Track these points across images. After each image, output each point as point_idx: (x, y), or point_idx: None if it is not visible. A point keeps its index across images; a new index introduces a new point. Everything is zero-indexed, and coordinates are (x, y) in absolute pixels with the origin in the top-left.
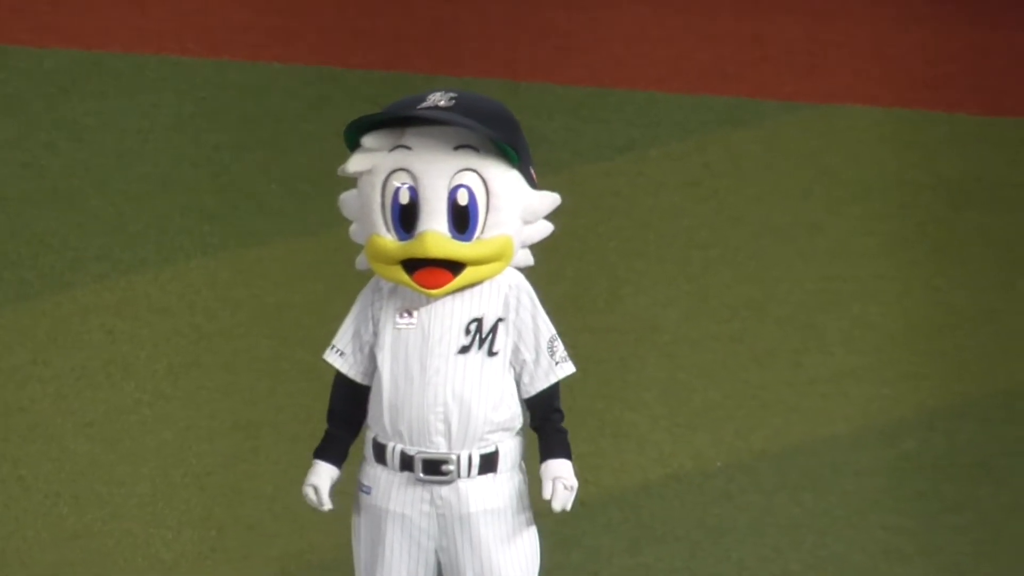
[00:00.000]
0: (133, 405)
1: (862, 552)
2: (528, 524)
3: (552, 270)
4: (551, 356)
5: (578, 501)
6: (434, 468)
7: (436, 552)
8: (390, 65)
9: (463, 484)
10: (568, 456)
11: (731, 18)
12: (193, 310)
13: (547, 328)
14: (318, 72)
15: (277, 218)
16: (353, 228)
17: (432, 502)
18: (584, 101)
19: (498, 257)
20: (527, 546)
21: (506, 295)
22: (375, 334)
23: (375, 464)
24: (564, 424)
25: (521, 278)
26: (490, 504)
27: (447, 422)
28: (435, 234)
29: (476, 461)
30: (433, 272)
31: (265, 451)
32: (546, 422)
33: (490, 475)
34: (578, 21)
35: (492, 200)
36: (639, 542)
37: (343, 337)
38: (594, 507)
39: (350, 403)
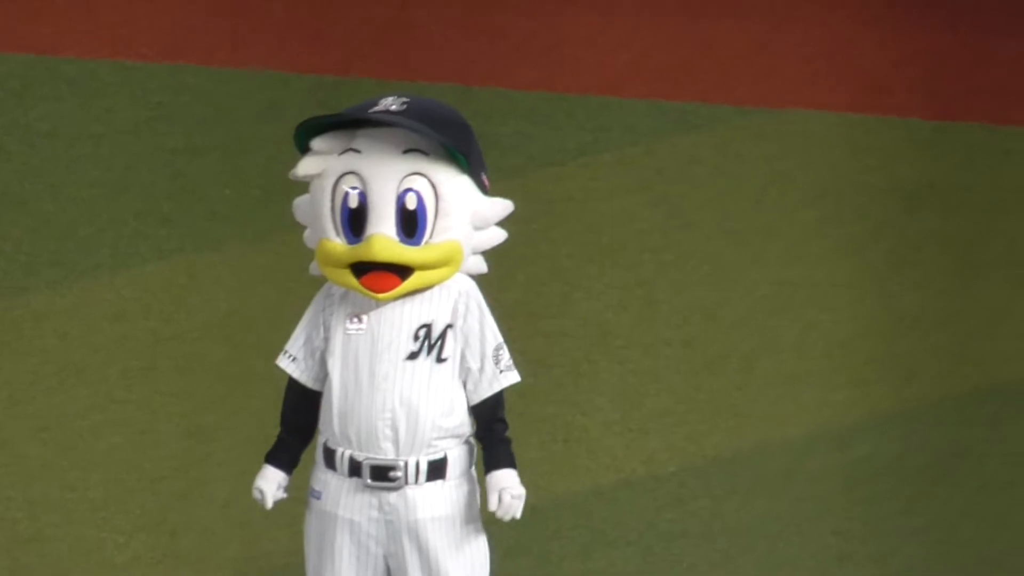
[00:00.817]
0: (86, 410)
1: (814, 558)
2: (477, 531)
3: (504, 275)
4: (496, 364)
5: (528, 507)
6: (382, 474)
7: (385, 558)
8: (343, 70)
9: (411, 491)
10: (513, 465)
11: (683, 22)
12: (148, 314)
13: (493, 336)
14: (271, 76)
15: (230, 222)
16: (307, 234)
17: (380, 508)
18: (536, 106)
19: (446, 262)
20: (476, 553)
21: (455, 301)
22: (326, 339)
23: (325, 469)
24: (508, 434)
25: (472, 285)
26: (438, 511)
27: (395, 428)
28: (382, 238)
29: (424, 468)
30: (381, 276)
31: (218, 456)
32: (490, 432)
33: (439, 482)
34: (530, 26)
35: (441, 205)
36: (590, 547)
37: (295, 343)
38: (545, 512)
39: (302, 408)
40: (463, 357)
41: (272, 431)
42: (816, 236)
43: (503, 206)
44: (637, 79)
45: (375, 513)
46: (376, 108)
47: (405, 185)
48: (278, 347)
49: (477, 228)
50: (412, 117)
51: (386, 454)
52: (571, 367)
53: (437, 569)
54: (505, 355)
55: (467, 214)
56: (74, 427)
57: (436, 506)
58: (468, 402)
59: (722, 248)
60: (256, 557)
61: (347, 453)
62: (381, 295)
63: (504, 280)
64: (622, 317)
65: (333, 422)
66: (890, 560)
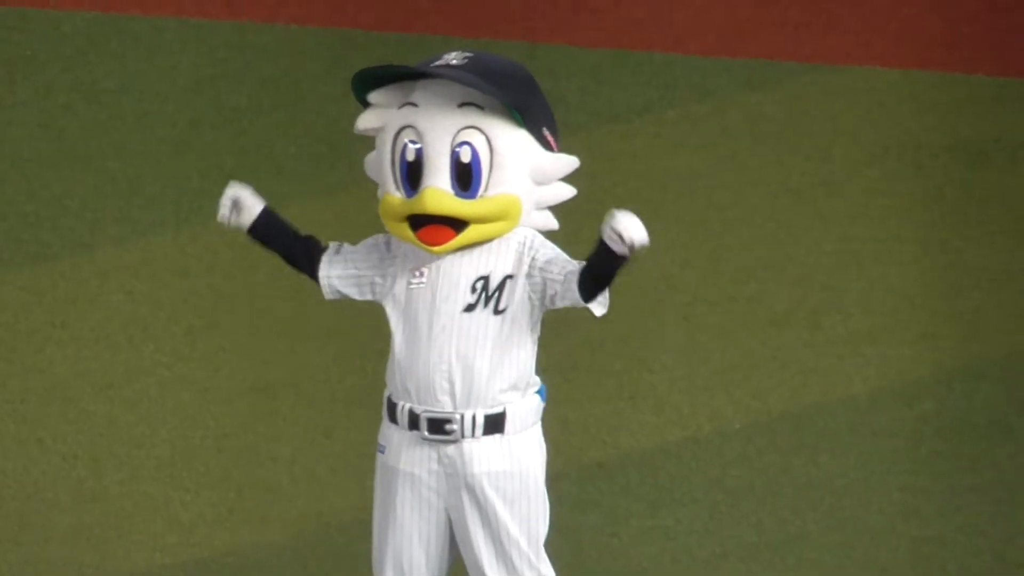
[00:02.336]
0: (152, 367)
1: (880, 513)
2: (537, 487)
3: (569, 232)
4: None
5: (595, 463)
6: (438, 427)
7: (446, 511)
8: (406, 27)
9: (467, 444)
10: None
11: None
12: (212, 272)
13: (569, 259)
14: (335, 33)
15: (295, 179)
16: (380, 191)
17: (440, 461)
18: (601, 63)
19: (502, 216)
20: (534, 509)
21: (518, 252)
22: (381, 285)
23: (388, 424)
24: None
25: (535, 233)
26: (495, 466)
27: (451, 381)
28: (435, 191)
29: (480, 422)
30: (436, 229)
31: (283, 413)
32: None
33: (496, 436)
34: None
35: (496, 158)
36: (657, 504)
37: (349, 249)
38: (612, 469)
39: (301, 247)
40: (544, 285)
41: (338, 387)
42: (880, 193)
43: (567, 162)
44: (702, 35)
45: (435, 466)
46: (438, 62)
47: (460, 139)
48: (343, 305)
49: (538, 183)
50: (471, 72)
51: (443, 407)
52: (637, 323)
53: (496, 523)
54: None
55: (524, 169)
56: (139, 384)
57: (493, 460)
58: (571, 291)
59: (787, 205)
60: (322, 513)
61: (407, 406)
62: (436, 248)
63: (570, 237)
64: (688, 273)
65: (395, 375)
66: (955, 516)
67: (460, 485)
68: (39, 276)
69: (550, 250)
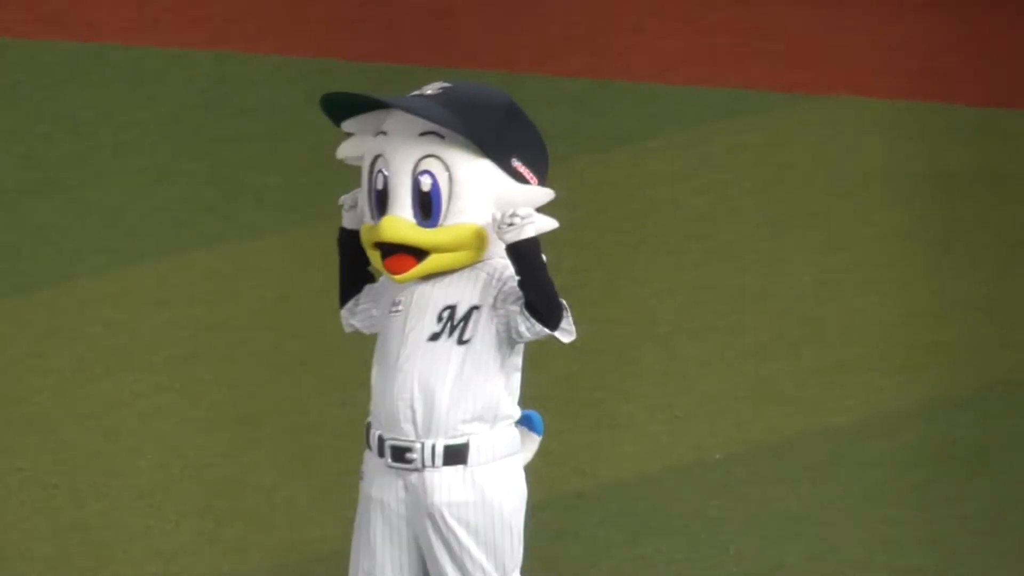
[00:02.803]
0: (132, 397)
1: (861, 544)
2: (503, 519)
3: (549, 262)
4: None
5: (575, 493)
6: (400, 455)
7: (416, 538)
8: (388, 57)
9: (428, 474)
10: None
11: (730, 9)
12: (192, 302)
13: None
14: (316, 64)
15: (276, 210)
16: None
17: (406, 489)
18: (582, 93)
19: (460, 246)
20: (500, 540)
21: (486, 282)
22: (377, 317)
23: (367, 448)
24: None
25: (506, 264)
26: (456, 496)
27: (413, 409)
28: (393, 219)
29: (440, 451)
30: (399, 258)
31: (264, 443)
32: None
33: (459, 467)
34: (577, 13)
35: (455, 188)
36: (638, 534)
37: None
38: (592, 499)
39: (363, 277)
40: (509, 317)
41: (318, 418)
42: (862, 223)
43: (539, 193)
44: (684, 66)
45: (402, 494)
46: (416, 92)
47: (421, 167)
48: (323, 333)
49: (500, 202)
50: (443, 102)
51: (406, 435)
52: (617, 354)
53: (460, 551)
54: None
55: (486, 198)
56: (119, 414)
57: (454, 491)
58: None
59: (768, 235)
60: (302, 544)
61: (378, 433)
62: (397, 277)
63: (549, 267)
64: (668, 304)
65: (373, 401)
66: (938, 547)
67: (423, 513)
68: (19, 306)
69: (510, 283)
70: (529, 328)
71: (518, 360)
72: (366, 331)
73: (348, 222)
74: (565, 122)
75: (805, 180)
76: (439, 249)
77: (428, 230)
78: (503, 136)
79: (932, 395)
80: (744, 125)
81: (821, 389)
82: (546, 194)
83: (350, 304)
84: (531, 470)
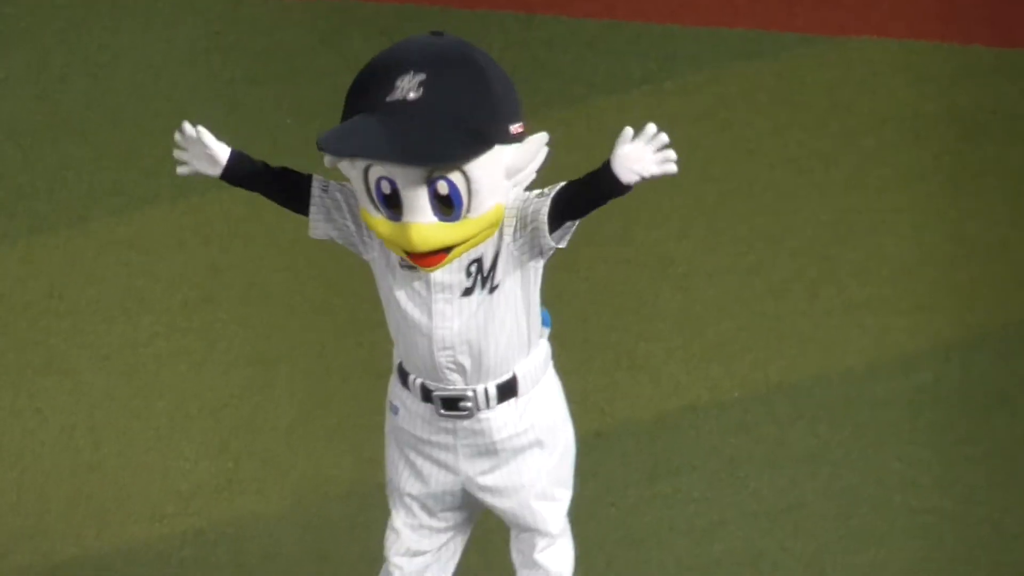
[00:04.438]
0: (149, 338)
1: (877, 483)
2: (558, 436)
3: None
4: (547, 193)
5: (593, 433)
6: (453, 405)
7: (463, 480)
8: None
9: (484, 415)
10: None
11: None
12: (208, 244)
13: (534, 192)
14: (330, 6)
15: (291, 152)
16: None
17: (455, 433)
18: (599, 34)
19: (488, 227)
20: (558, 459)
21: (500, 228)
22: (369, 245)
23: (401, 387)
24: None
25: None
26: (513, 429)
27: (458, 363)
28: (419, 228)
29: (493, 392)
30: (427, 256)
31: (280, 384)
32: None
33: (511, 400)
34: None
35: (473, 185)
36: (655, 473)
37: (335, 188)
38: (610, 438)
39: (287, 185)
40: (532, 238)
41: (333, 359)
42: (877, 164)
43: (536, 144)
44: (699, 7)
45: (451, 439)
46: (392, 96)
47: (435, 175)
48: (338, 276)
49: (512, 176)
50: (430, 107)
51: (455, 384)
52: (634, 295)
53: (520, 484)
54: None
55: (500, 177)
56: (137, 356)
57: (510, 425)
58: (551, 225)
59: (784, 176)
60: (319, 483)
61: (419, 380)
62: (430, 269)
63: None
64: (684, 245)
65: (400, 346)
66: (953, 486)
67: (483, 451)
68: (35, 248)
69: (523, 206)
70: (561, 236)
71: (538, 286)
72: (340, 242)
73: (213, 167)
74: (581, 63)
75: (820, 121)
76: (469, 239)
77: (454, 225)
78: (498, 112)
79: (948, 335)
80: (760, 66)
81: (837, 329)
82: (541, 142)
83: (313, 213)
84: (567, 379)
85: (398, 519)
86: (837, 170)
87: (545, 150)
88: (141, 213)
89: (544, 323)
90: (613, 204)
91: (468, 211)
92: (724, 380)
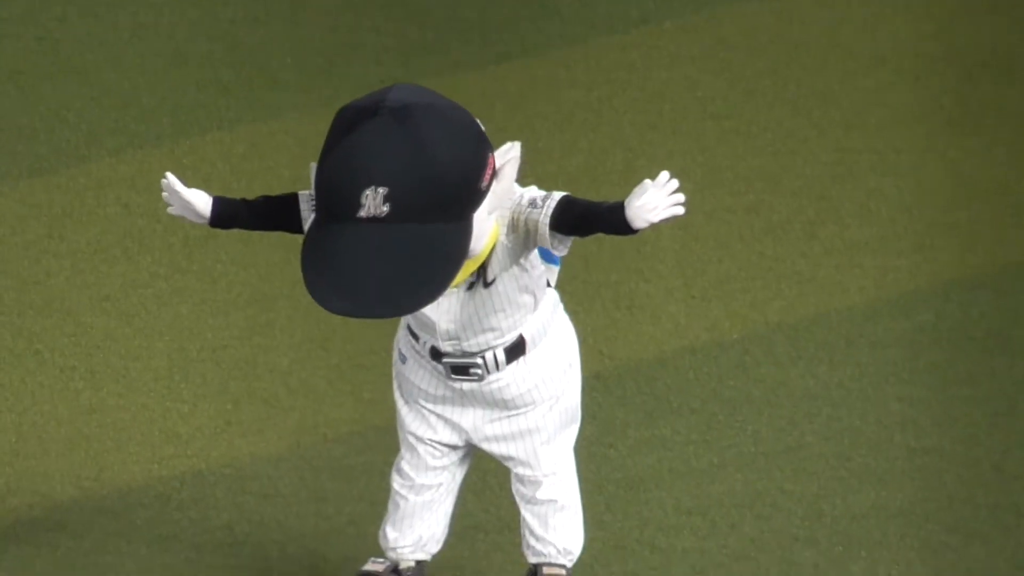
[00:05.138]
0: (149, 279)
1: (877, 423)
2: (568, 383)
3: (567, 142)
4: (540, 206)
5: (592, 374)
6: (462, 371)
7: (468, 432)
8: None
9: (493, 377)
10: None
11: None
12: (208, 184)
13: (525, 196)
14: None
15: (291, 91)
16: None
17: (464, 394)
18: None
19: (487, 252)
20: (567, 404)
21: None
22: None
23: (411, 339)
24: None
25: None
26: (523, 386)
27: (463, 347)
28: None
29: (502, 357)
30: None
31: (280, 325)
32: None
33: (519, 359)
34: None
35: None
36: (654, 414)
37: None
38: (609, 380)
39: (272, 208)
40: (527, 238)
41: None
42: (876, 104)
43: (510, 172)
44: None
45: (459, 396)
46: (361, 213)
47: None
48: None
49: (496, 208)
50: (402, 219)
51: (464, 354)
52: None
53: (527, 428)
54: (537, 194)
55: (485, 220)
56: (137, 296)
57: (520, 382)
58: (553, 244)
59: (784, 115)
60: (318, 425)
61: (429, 343)
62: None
63: (567, 147)
64: (685, 184)
65: (408, 319)
66: (952, 426)
67: (492, 405)
68: (35, 189)
69: (516, 204)
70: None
71: (535, 260)
72: None
73: (199, 217)
74: (580, 4)
75: (820, 61)
76: (470, 270)
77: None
78: (468, 187)
79: (948, 276)
80: (759, 6)
81: (837, 269)
82: (513, 159)
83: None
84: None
85: (404, 456)
86: (837, 110)
87: (518, 161)
88: (142, 153)
89: (552, 261)
90: (613, 145)
91: (467, 257)
92: (723, 321)
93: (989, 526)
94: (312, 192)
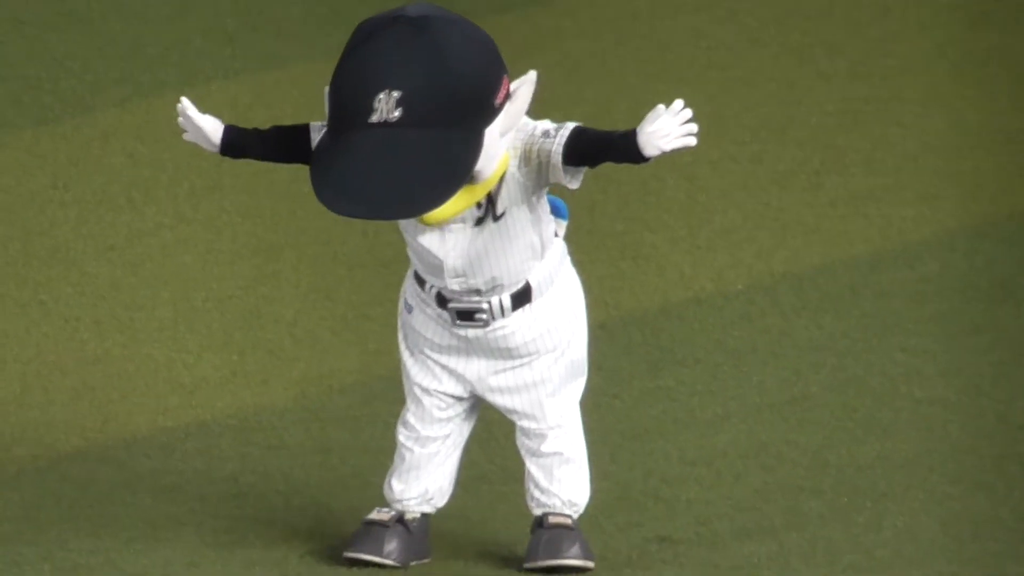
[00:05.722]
0: (154, 229)
1: (882, 374)
2: (574, 335)
3: (573, 91)
4: (553, 136)
5: (597, 324)
6: (468, 316)
7: (473, 383)
8: None
9: (499, 323)
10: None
11: None
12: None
13: (538, 127)
14: None
15: (297, 41)
16: None
17: (468, 340)
18: None
19: (497, 179)
20: (572, 356)
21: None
22: None
23: (417, 287)
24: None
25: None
26: (528, 335)
27: (471, 286)
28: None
29: (508, 303)
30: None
31: (285, 274)
32: (591, 149)
33: (525, 307)
34: None
35: (479, 161)
36: (659, 365)
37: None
38: (614, 330)
39: (284, 142)
40: (527, 161)
41: (340, 248)
42: (881, 53)
43: (523, 99)
44: None
45: (464, 344)
46: (373, 118)
47: None
48: None
49: (507, 132)
50: (414, 124)
51: (470, 299)
52: (639, 184)
53: (532, 380)
54: (550, 125)
55: (497, 141)
56: (142, 246)
57: (525, 330)
58: (564, 171)
59: (788, 65)
60: (323, 376)
61: (435, 289)
62: (443, 221)
63: (573, 97)
64: None
65: (415, 261)
66: (957, 377)
67: (499, 355)
68: (41, 138)
69: (529, 135)
70: (556, 174)
71: (544, 203)
72: None
73: (209, 142)
74: None
75: (824, 10)
76: (478, 199)
77: (463, 193)
78: (481, 99)
79: (953, 225)
80: None
81: (842, 219)
82: (528, 84)
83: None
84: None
85: (409, 408)
86: (841, 59)
87: (533, 86)
88: (147, 103)
89: (561, 215)
90: (618, 95)
91: (476, 180)
92: (728, 270)
93: (994, 476)
94: (324, 122)
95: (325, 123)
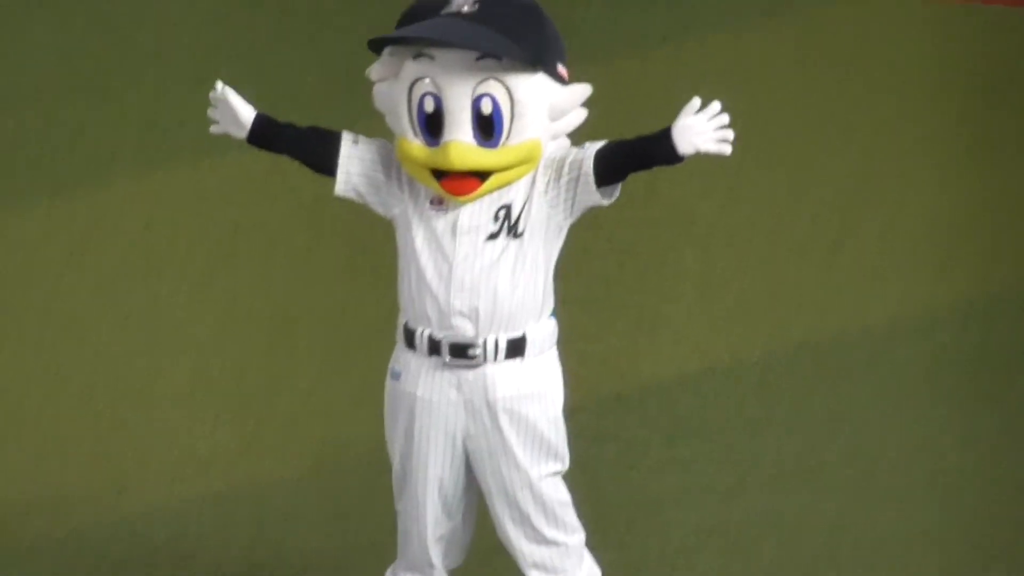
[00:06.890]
0: (170, 298)
1: (898, 445)
2: (555, 413)
3: None
4: (585, 148)
5: (614, 395)
6: (461, 352)
7: (464, 441)
8: None
9: (490, 368)
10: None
11: None
12: (229, 203)
13: (571, 146)
14: None
15: (313, 111)
16: (393, 128)
17: (459, 387)
18: None
19: (525, 161)
20: (559, 430)
21: (533, 176)
22: (400, 199)
23: (405, 350)
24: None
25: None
26: (516, 390)
27: (473, 307)
28: (458, 145)
29: (503, 345)
30: (461, 180)
31: (301, 344)
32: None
33: (517, 360)
34: None
35: (516, 108)
36: (675, 435)
37: (366, 146)
38: (630, 400)
39: (319, 145)
40: (562, 192)
41: (356, 319)
42: (898, 125)
43: (580, 91)
44: None
45: (454, 394)
46: (448, 10)
47: (480, 91)
48: (360, 235)
49: (555, 119)
50: (484, 20)
51: (465, 332)
52: (656, 255)
53: (515, 448)
54: (586, 143)
55: (543, 110)
56: (158, 316)
57: (514, 384)
58: (595, 180)
59: (804, 138)
60: (340, 445)
61: (426, 332)
62: (462, 198)
63: None
64: (706, 204)
65: (413, 301)
66: (973, 447)
67: (481, 410)
68: (57, 208)
69: (560, 156)
70: (587, 196)
71: (557, 252)
72: (372, 200)
73: (239, 128)
74: (602, 20)
75: (841, 81)
76: (505, 168)
77: (493, 151)
78: (548, 46)
79: (969, 297)
80: (779, 25)
81: (858, 291)
82: (585, 91)
83: (344, 164)
84: (569, 372)
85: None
86: (858, 131)
87: (584, 110)
88: (163, 173)
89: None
90: None
91: (508, 138)
92: (745, 341)
93: (1012, 548)
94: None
95: (355, 139)
